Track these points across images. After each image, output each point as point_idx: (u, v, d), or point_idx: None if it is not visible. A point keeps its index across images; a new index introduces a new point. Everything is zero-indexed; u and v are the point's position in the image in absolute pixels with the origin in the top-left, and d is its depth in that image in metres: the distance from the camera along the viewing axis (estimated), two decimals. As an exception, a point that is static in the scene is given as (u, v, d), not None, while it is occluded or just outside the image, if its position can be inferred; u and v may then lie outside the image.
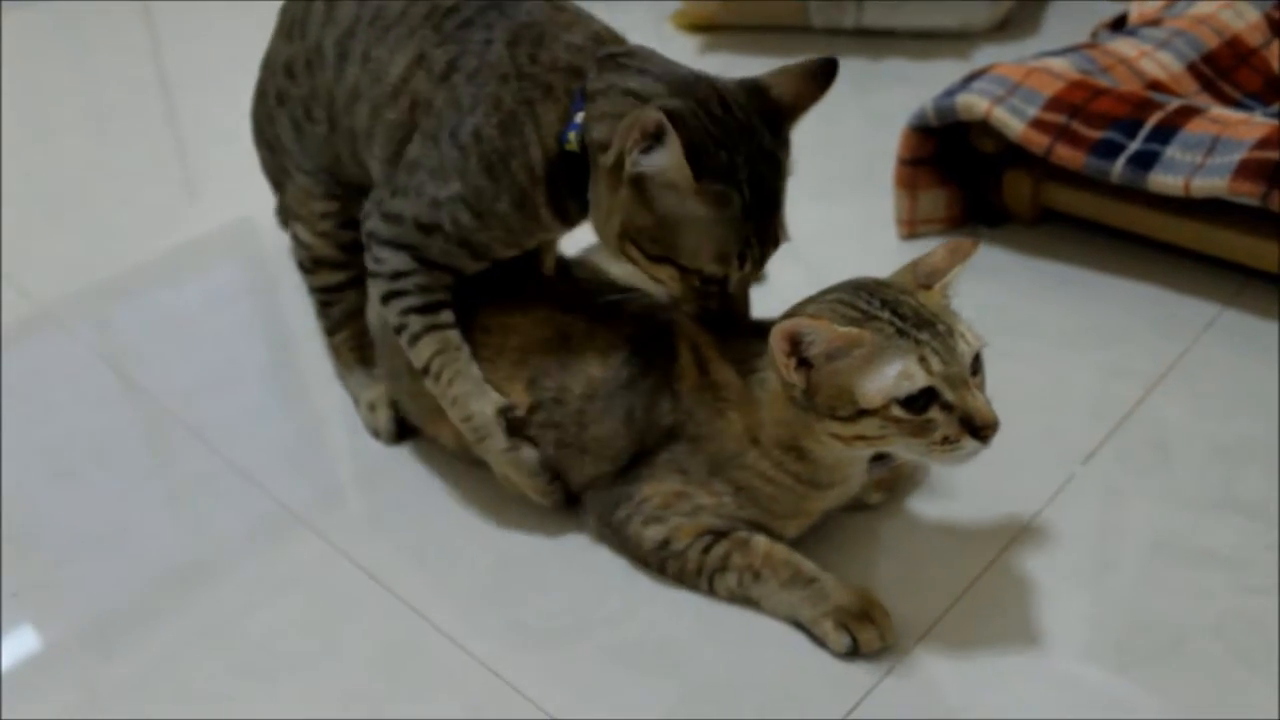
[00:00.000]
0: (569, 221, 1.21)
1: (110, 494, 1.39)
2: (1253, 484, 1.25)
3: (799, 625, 1.13)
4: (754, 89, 1.15)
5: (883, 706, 1.07)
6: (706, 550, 1.16)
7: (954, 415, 1.01)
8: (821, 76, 1.16)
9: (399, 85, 1.23)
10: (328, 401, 1.50)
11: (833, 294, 1.08)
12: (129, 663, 1.18)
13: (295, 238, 1.45)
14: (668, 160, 1.07)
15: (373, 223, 1.27)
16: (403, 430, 1.42)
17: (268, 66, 1.41)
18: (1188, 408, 1.36)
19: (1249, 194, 1.40)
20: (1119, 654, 1.10)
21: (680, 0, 2.41)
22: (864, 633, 1.10)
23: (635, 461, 1.20)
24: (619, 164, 1.10)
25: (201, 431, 1.47)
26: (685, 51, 2.33)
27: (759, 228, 1.12)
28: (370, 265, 1.28)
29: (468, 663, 1.14)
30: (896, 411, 1.01)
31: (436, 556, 1.26)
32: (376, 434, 1.43)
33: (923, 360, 1.00)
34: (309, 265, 1.44)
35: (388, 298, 1.26)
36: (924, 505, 1.26)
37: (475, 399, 1.23)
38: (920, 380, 1.00)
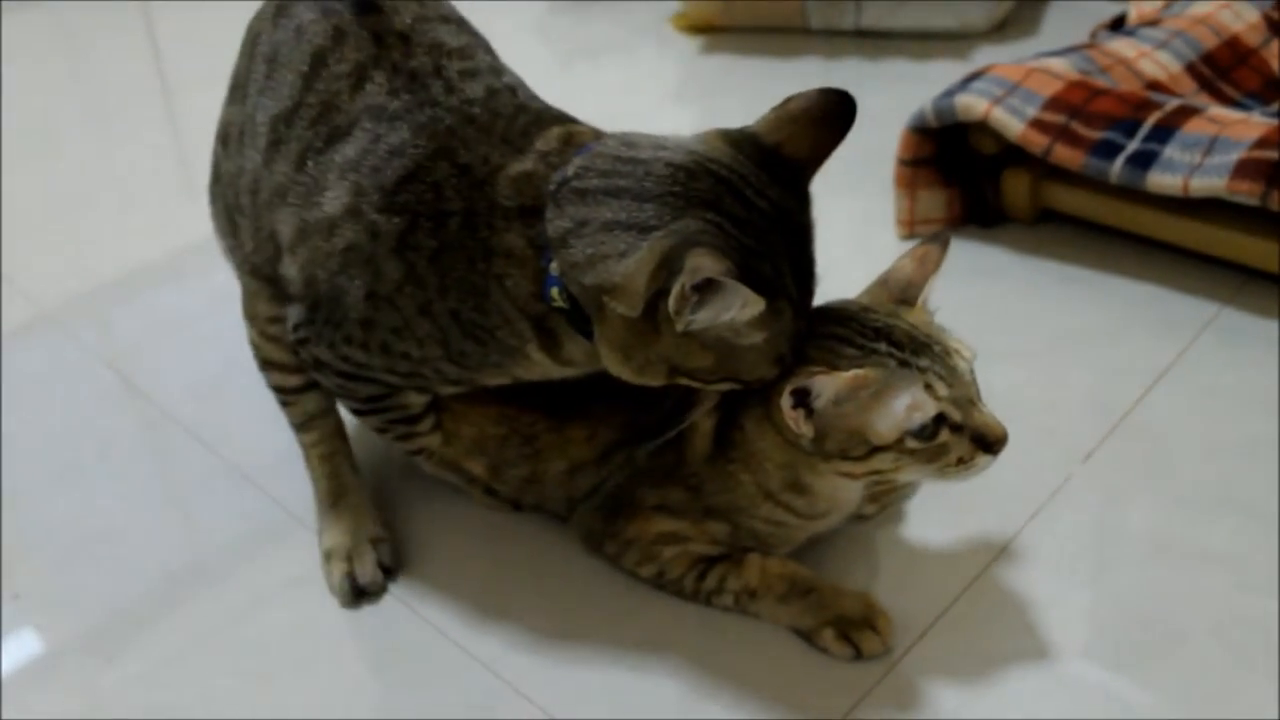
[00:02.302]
0: (570, 366, 1.07)
1: (110, 496, 1.39)
2: (1252, 483, 1.25)
3: (800, 634, 1.13)
4: (762, 153, 0.98)
5: (882, 707, 1.07)
6: (701, 577, 1.15)
7: (965, 435, 1.00)
8: (837, 119, 1.00)
9: (333, 224, 1.07)
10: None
11: (824, 328, 1.03)
12: (129, 665, 1.18)
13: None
14: (731, 310, 0.91)
15: (322, 352, 1.13)
16: (385, 568, 1.25)
17: (216, 133, 1.25)
18: (1187, 407, 1.36)
19: (1247, 193, 1.40)
20: (1118, 653, 1.10)
21: (679, 1, 2.42)
22: (866, 641, 1.09)
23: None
24: (649, 314, 0.93)
25: (201, 434, 1.47)
26: (685, 53, 2.33)
27: (805, 314, 1.01)
28: (331, 388, 1.17)
29: (468, 663, 1.14)
30: (910, 443, 0.99)
31: (436, 557, 1.26)
32: (359, 591, 1.22)
33: (929, 387, 0.98)
34: (260, 364, 1.29)
35: (363, 413, 1.20)
36: (921, 506, 1.26)
37: (464, 483, 1.29)
38: (930, 409, 0.98)
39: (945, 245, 1.08)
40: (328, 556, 1.25)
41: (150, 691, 1.15)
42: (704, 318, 0.92)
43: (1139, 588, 1.16)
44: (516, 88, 1.11)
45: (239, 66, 1.20)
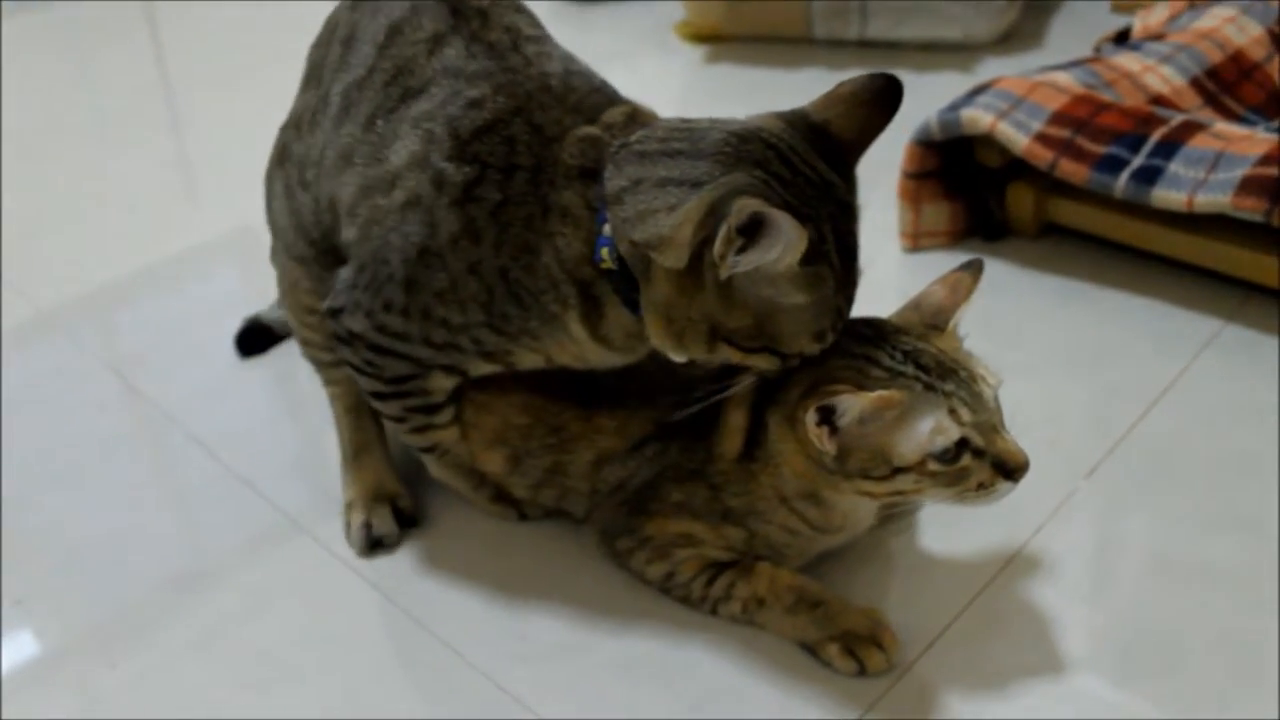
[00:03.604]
0: (606, 346, 1.08)
1: (111, 501, 1.39)
2: (1254, 499, 1.25)
3: (806, 647, 1.13)
4: (811, 130, 1.01)
5: (888, 718, 1.07)
6: (710, 582, 1.15)
7: (986, 461, 1.01)
8: (885, 101, 1.02)
9: (396, 177, 1.09)
10: (328, 409, 1.50)
11: (855, 347, 1.04)
12: (129, 669, 1.18)
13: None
14: (774, 253, 0.91)
15: (357, 323, 1.14)
16: (404, 520, 1.30)
17: (286, 122, 1.30)
18: (1190, 423, 1.36)
19: (1252, 209, 1.41)
20: (1120, 667, 1.10)
21: (684, 3, 2.42)
22: (871, 658, 1.09)
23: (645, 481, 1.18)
24: (694, 267, 0.95)
25: (203, 439, 1.46)
26: (689, 62, 2.33)
27: (847, 292, 1.01)
28: (358, 365, 1.17)
29: (469, 673, 1.14)
30: (932, 466, 1.00)
31: (438, 566, 1.26)
32: (375, 542, 1.28)
33: (953, 412, 1.00)
34: (298, 340, 1.36)
35: (385, 397, 1.19)
36: (928, 520, 1.26)
37: (470, 488, 1.29)
38: (953, 433, 0.99)
39: (978, 273, 1.10)
40: (348, 507, 1.30)
41: (150, 696, 1.15)
42: (749, 259, 0.92)
43: (1141, 602, 1.16)
44: (590, 75, 1.14)
45: (315, 56, 1.24)
